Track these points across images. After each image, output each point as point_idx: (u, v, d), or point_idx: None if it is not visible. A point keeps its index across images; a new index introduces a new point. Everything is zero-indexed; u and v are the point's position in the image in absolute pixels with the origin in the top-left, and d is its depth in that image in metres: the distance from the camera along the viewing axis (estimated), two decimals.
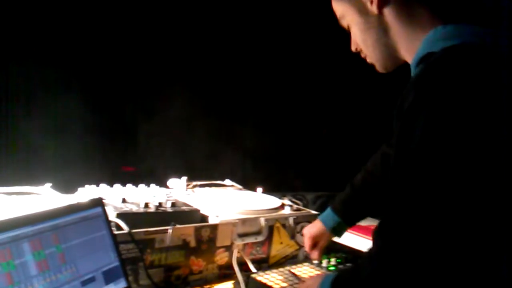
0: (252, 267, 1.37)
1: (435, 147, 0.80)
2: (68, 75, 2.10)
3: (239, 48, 2.52)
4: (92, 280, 1.04)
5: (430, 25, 0.94)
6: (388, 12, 0.96)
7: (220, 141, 2.44)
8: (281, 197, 1.67)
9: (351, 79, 2.73)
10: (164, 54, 2.35)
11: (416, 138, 0.81)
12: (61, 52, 2.09)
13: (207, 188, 1.73)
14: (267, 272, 1.31)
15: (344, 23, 1.05)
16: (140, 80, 2.31)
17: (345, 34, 1.08)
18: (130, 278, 1.16)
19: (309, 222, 1.53)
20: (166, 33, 2.36)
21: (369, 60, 1.05)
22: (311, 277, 1.24)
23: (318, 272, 1.33)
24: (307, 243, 1.40)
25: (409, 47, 0.96)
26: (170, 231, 1.23)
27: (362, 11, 0.98)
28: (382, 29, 0.98)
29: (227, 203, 1.52)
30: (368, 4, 0.97)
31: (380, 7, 0.96)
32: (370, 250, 0.91)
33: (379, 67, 1.05)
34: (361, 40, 1.02)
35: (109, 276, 1.08)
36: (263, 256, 1.45)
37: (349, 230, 1.79)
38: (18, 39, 2.00)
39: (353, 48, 1.07)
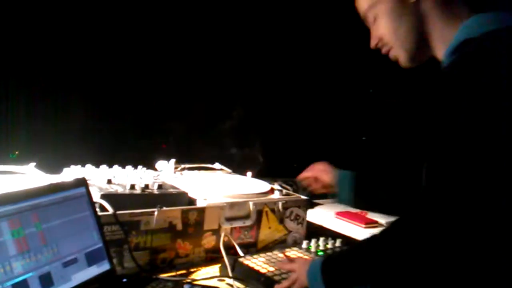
0: (239, 251, 1.36)
1: (474, 128, 0.81)
2: (59, 58, 2.05)
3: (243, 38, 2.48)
4: (74, 261, 1.02)
5: (467, 13, 0.94)
6: None
7: (212, 125, 2.41)
8: (271, 182, 1.65)
9: (342, 69, 2.71)
10: (162, 45, 2.31)
11: (456, 119, 0.82)
12: (54, 37, 2.04)
13: (195, 172, 1.70)
14: (255, 256, 1.29)
15: (371, 14, 1.03)
16: (130, 64, 2.27)
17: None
18: (115, 260, 1.14)
19: (299, 207, 1.52)
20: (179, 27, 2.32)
21: (394, 53, 1.04)
22: (297, 265, 1.17)
23: (306, 257, 1.32)
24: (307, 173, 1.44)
25: (444, 36, 0.96)
26: (156, 213, 1.21)
27: None
28: (418, 17, 0.98)
29: (216, 186, 1.50)
30: None
31: None
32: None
33: (405, 59, 1.03)
34: (391, 29, 1.01)
35: (92, 258, 1.06)
36: (251, 240, 1.43)
37: (339, 216, 1.80)
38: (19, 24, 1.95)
39: (372, 44, 1.06)
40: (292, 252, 1.36)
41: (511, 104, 0.80)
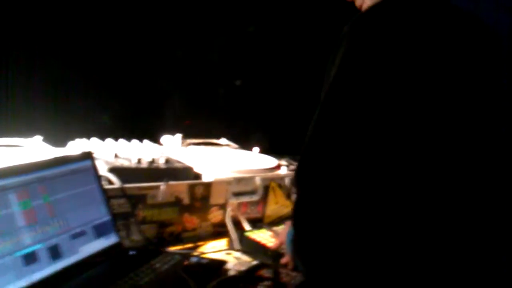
0: (246, 226, 1.35)
1: (339, 96, 0.83)
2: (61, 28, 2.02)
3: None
4: (82, 234, 1.02)
5: None
6: None
7: (217, 99, 2.39)
8: (278, 158, 1.64)
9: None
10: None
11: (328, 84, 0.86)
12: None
13: (202, 147, 1.69)
14: (261, 230, 1.29)
15: None
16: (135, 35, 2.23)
17: None
18: (122, 233, 1.14)
19: None
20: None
21: (365, 6, 1.02)
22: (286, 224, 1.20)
23: None
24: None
25: None
26: (162, 187, 1.21)
27: None
28: None
29: (222, 161, 1.49)
30: None
31: None
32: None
33: None
34: None
35: (100, 230, 1.06)
36: (258, 215, 1.43)
37: None
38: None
39: None
40: None
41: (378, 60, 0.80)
